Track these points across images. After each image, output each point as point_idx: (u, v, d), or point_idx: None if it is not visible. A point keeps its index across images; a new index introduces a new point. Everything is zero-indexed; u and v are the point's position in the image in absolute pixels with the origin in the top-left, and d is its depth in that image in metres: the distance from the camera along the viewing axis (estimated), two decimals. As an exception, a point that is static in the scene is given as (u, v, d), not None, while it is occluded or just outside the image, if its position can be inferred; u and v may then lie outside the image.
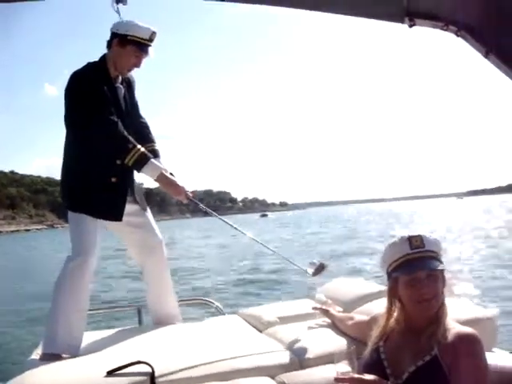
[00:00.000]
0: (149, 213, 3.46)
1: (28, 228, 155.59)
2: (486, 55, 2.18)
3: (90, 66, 3.16)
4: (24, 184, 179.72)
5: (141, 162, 3.03)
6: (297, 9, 2.27)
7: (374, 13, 2.26)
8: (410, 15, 2.20)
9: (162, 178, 3.15)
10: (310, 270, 3.16)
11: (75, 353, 2.80)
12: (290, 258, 3.49)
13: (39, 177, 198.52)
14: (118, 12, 3.21)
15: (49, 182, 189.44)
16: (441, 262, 2.01)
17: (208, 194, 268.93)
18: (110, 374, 2.29)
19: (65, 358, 2.73)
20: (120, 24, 3.16)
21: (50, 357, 2.76)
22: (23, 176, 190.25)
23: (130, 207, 3.26)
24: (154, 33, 3.15)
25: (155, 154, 3.34)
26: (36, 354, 2.86)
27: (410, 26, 2.23)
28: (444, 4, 2.23)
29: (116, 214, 3.14)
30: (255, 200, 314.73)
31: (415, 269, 1.97)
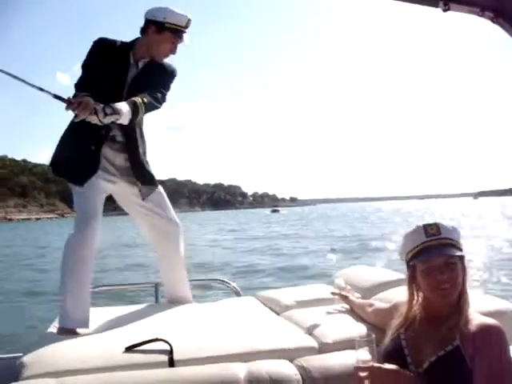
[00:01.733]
0: (166, 198, 3.45)
1: (39, 217, 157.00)
2: None
3: (112, 41, 3.23)
4: (36, 173, 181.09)
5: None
6: None
7: None
8: None
9: None
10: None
11: (85, 327, 2.81)
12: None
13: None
14: None
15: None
16: (459, 250, 2.00)
17: (219, 187, 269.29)
18: (129, 349, 2.28)
19: (80, 333, 2.73)
20: (157, 11, 3.18)
21: (64, 331, 2.77)
22: (35, 165, 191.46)
23: (148, 192, 3.29)
24: (189, 20, 3.21)
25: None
26: (53, 327, 2.87)
27: (445, 10, 2.15)
28: None
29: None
30: (265, 195, 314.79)
31: (432, 256, 1.97)
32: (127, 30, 3.24)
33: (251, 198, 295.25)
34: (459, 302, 1.96)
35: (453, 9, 2.15)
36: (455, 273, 1.95)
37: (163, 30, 3.16)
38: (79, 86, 3.10)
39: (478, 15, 2.13)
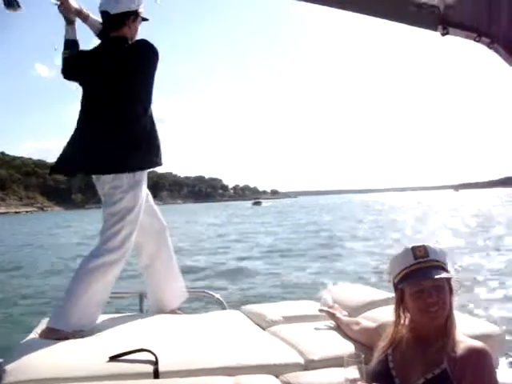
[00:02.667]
0: (151, 197, 3.43)
1: (18, 210, 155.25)
2: None
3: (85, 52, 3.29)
4: (15, 166, 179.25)
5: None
6: (326, 6, 2.24)
7: (407, 18, 2.23)
8: (444, 23, 2.17)
9: None
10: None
11: (78, 336, 2.75)
12: None
13: (30, 159, 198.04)
14: None
15: (40, 164, 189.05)
16: (447, 271, 2.01)
17: (200, 180, 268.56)
18: (113, 359, 2.26)
19: (64, 339, 2.65)
20: (128, 1, 3.17)
21: (52, 332, 2.73)
22: (14, 158, 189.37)
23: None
24: None
25: None
26: (35, 333, 2.82)
27: (443, 34, 2.20)
28: (480, 15, 2.19)
29: None
30: (246, 187, 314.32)
31: (420, 279, 1.97)
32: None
33: (232, 191, 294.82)
34: (446, 324, 1.98)
35: (451, 33, 2.20)
36: (443, 295, 1.97)
37: (137, 18, 3.24)
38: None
39: (475, 40, 2.18)
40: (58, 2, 3.14)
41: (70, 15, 3.21)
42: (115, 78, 3.10)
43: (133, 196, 3.05)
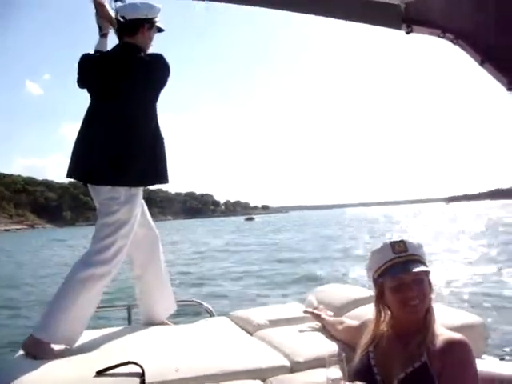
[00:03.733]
0: (146, 207, 3.39)
1: (8, 228, 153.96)
2: (482, 63, 2.21)
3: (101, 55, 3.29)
4: (4, 183, 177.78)
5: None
6: (294, 12, 2.29)
7: (371, 18, 2.28)
8: (407, 22, 2.23)
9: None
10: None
11: (65, 346, 2.74)
12: None
13: (20, 176, 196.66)
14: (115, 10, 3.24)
15: (30, 181, 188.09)
16: (425, 265, 2.03)
17: (191, 196, 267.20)
18: (100, 374, 2.26)
19: (48, 353, 2.64)
20: (146, 8, 3.19)
21: (36, 342, 2.69)
22: (4, 175, 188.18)
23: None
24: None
25: None
26: (22, 352, 2.78)
27: (407, 32, 2.26)
28: (440, 12, 2.25)
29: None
30: (237, 203, 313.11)
31: (399, 273, 1.99)
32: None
33: (223, 207, 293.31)
34: (425, 318, 1.99)
35: (415, 31, 2.26)
36: (423, 288, 1.99)
37: (152, 27, 3.23)
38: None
39: (440, 37, 2.23)
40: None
41: (104, 24, 3.27)
42: (120, 85, 3.09)
43: (129, 209, 3.01)
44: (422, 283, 1.99)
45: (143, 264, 3.36)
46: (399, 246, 2.04)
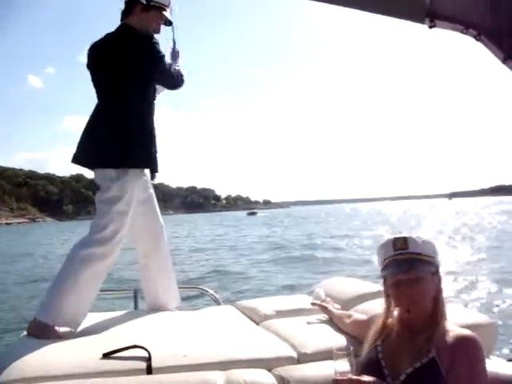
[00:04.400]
0: (154, 198, 3.44)
1: (9, 222, 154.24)
2: (504, 61, 2.18)
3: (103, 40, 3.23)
4: (6, 177, 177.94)
5: None
6: (314, 0, 2.24)
7: (394, 11, 2.25)
8: (431, 16, 2.20)
9: None
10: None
11: (69, 329, 2.75)
12: None
13: (21, 170, 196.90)
14: None
15: (31, 175, 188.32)
16: (429, 264, 1.99)
17: (192, 190, 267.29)
18: (106, 356, 2.26)
19: (52, 335, 2.66)
20: None
21: (40, 325, 2.70)
22: (5, 169, 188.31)
23: (142, 194, 3.27)
24: None
25: None
26: (27, 332, 2.79)
27: (430, 26, 2.22)
28: (465, 7, 2.23)
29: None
30: (239, 198, 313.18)
31: (397, 271, 1.98)
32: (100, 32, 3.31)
33: (225, 201, 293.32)
34: (435, 315, 1.97)
35: (438, 26, 2.22)
36: (421, 288, 1.96)
37: (149, 9, 3.18)
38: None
39: (462, 32, 2.20)
40: None
41: None
42: (112, 67, 3.10)
43: (120, 186, 3.03)
44: (417, 283, 1.96)
45: (147, 253, 3.39)
46: (400, 243, 2.01)
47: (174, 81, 3.29)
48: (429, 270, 1.98)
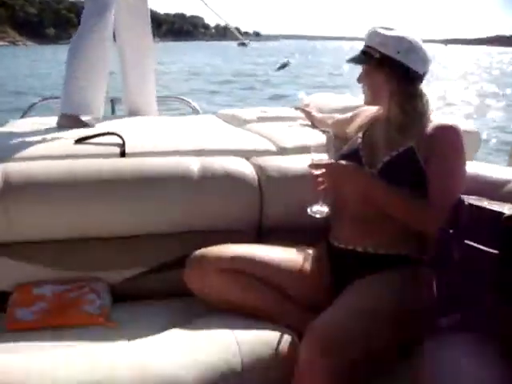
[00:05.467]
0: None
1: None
2: None
3: None
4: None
5: None
6: None
7: None
8: None
9: None
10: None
11: (89, 114, 2.81)
12: None
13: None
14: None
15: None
16: (371, 56, 1.91)
17: (180, 17, 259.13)
18: (79, 141, 2.29)
19: (84, 120, 2.71)
20: None
21: (66, 118, 2.75)
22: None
23: None
24: None
25: None
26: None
27: None
28: None
29: None
30: (228, 28, 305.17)
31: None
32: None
33: (214, 30, 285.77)
34: (402, 106, 1.89)
35: None
36: (369, 79, 1.93)
37: None
38: None
39: None
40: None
41: None
42: None
43: None
44: (368, 73, 1.93)
45: (130, 61, 3.35)
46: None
47: None
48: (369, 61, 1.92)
